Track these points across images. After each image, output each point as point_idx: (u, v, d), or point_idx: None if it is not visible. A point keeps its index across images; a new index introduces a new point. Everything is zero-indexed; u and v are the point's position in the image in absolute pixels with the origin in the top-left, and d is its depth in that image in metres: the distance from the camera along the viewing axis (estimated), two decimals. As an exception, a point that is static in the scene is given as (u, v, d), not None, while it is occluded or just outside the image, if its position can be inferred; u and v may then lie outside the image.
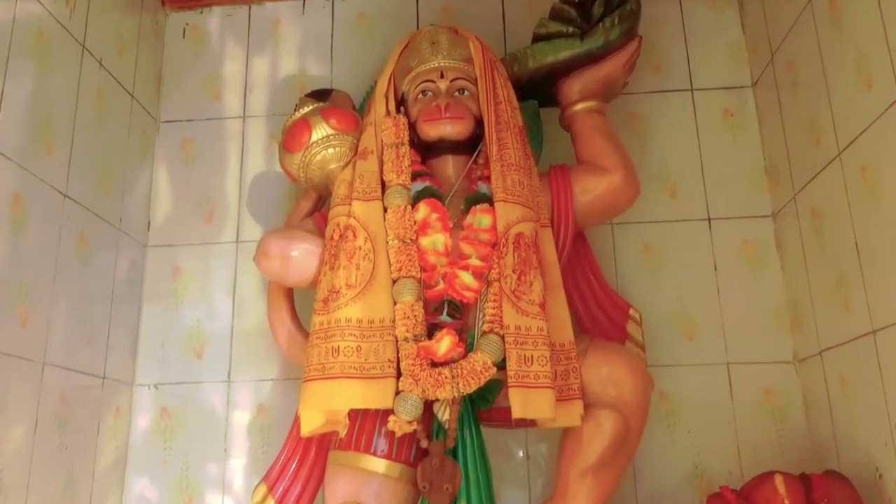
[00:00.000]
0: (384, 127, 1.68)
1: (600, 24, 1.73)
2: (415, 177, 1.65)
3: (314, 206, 1.83)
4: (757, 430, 1.81)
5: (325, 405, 1.49)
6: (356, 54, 2.11)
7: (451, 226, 1.60)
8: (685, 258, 1.92)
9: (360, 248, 1.55)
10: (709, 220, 1.95)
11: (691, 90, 2.03)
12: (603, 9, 1.76)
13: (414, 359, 1.48)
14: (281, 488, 1.62)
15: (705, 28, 2.07)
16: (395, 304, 1.52)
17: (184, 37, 2.17)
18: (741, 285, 1.90)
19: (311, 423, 1.51)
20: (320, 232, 1.68)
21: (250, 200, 2.04)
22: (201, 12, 2.18)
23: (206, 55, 2.16)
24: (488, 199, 1.59)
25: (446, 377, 1.46)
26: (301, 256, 1.64)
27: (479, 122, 1.70)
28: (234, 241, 2.02)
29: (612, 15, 1.73)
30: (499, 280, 1.51)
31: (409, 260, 1.54)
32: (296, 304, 1.78)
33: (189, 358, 1.95)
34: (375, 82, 1.80)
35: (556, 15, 1.80)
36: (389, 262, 1.55)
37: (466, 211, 1.61)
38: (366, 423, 1.53)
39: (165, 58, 2.16)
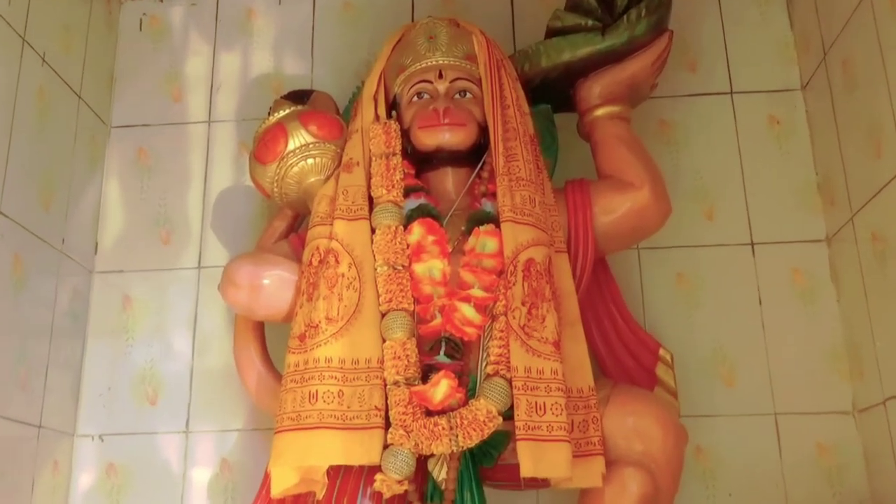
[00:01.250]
0: (373, 134, 1.69)
1: (625, 16, 1.75)
2: (408, 192, 1.65)
3: (290, 227, 1.83)
4: (810, 492, 1.80)
5: (301, 461, 1.47)
6: (341, 50, 2.13)
7: (450, 250, 1.60)
8: (725, 289, 1.93)
9: (342, 275, 1.55)
10: (752, 244, 1.95)
11: (731, 93, 2.05)
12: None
13: (405, 406, 1.47)
14: (248, 559, 1.61)
15: (747, 22, 2.09)
16: (383, 341, 1.52)
17: (140, 29, 2.19)
18: (790, 322, 1.90)
19: (283, 482, 1.49)
20: (297, 256, 1.68)
21: (215, 219, 2.05)
22: (161, 0, 2.20)
23: (167, 50, 2.17)
24: (494, 220, 1.60)
25: (443, 428, 1.45)
26: (274, 285, 1.64)
27: (483, 130, 1.70)
28: (196, 267, 2.02)
29: (639, 6, 1.74)
30: (505, 314, 1.51)
31: (401, 290, 1.55)
32: (267, 341, 1.78)
33: (141, 404, 1.94)
34: (363, 83, 1.81)
35: (573, 5, 1.82)
36: (377, 292, 1.55)
37: (468, 233, 1.61)
38: (348, 482, 1.51)
39: (119, 53, 2.17)
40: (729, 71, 2.06)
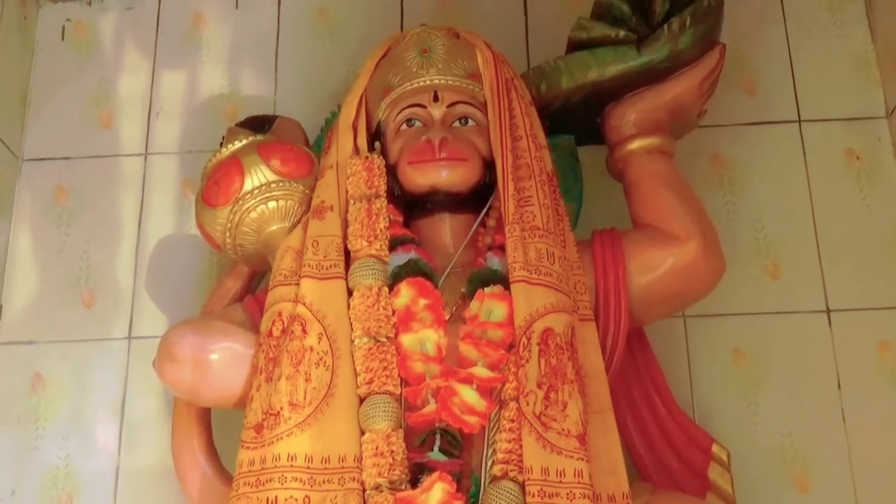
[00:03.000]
0: (351, 171, 1.70)
1: (665, 26, 1.76)
2: (394, 244, 1.65)
3: (245, 287, 1.83)
4: None
5: (255, 589, 1.46)
6: (312, 66, 2.14)
7: (447, 318, 1.59)
8: (794, 368, 1.92)
9: (311, 349, 1.54)
10: (828, 311, 1.95)
11: (799, 121, 2.06)
12: (669, 4, 1.79)
13: (390, 518, 1.45)
14: None
15: (819, 33, 2.11)
16: (362, 433, 1.50)
17: (63, 38, 2.21)
18: (877, 409, 1.89)
19: None
20: (253, 325, 1.68)
21: (152, 277, 2.04)
22: (89, 3, 2.22)
23: (95, 65, 2.19)
24: (502, 280, 1.59)
25: (438, 547, 1.44)
26: (224, 361, 1.63)
27: (489, 166, 1.71)
28: (126, 338, 2.01)
29: (683, 14, 1.76)
30: (517, 399, 1.50)
31: (385, 368, 1.54)
32: (214, 432, 1.77)
33: (52, 512, 1.92)
34: (339, 107, 1.83)
35: (601, 12, 1.83)
36: (355, 370, 1.54)
37: (470, 296, 1.60)
38: None
39: (35, 68, 2.19)
40: (796, 94, 2.08)
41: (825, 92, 2.07)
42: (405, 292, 1.59)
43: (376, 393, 1.52)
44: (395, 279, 1.61)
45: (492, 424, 1.53)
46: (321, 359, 1.54)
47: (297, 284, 1.60)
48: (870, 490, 1.85)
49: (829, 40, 2.10)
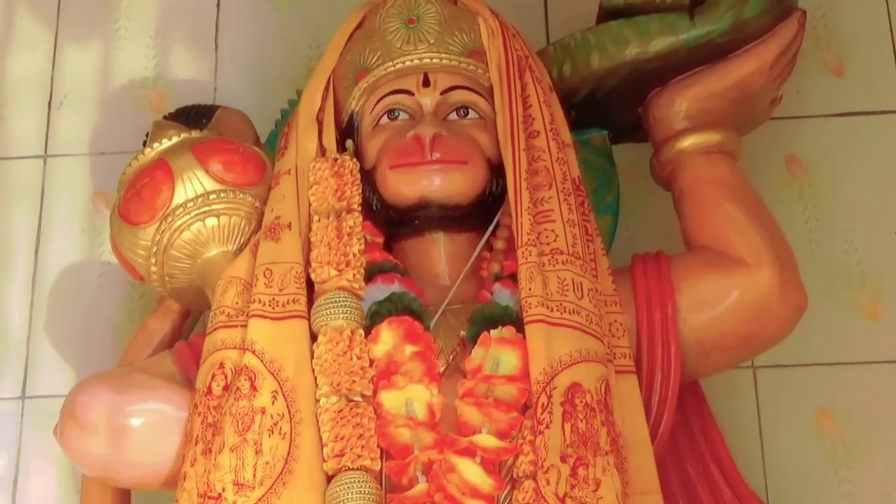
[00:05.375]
0: (315, 178, 1.70)
1: (726, -11, 1.79)
2: (372, 274, 1.66)
3: (175, 330, 1.84)
4: None
5: None
6: (262, 41, 2.16)
7: (443, 370, 1.60)
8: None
9: (262, 411, 1.54)
10: (942, 360, 1.97)
11: (902, 112, 2.09)
12: (730, -37, 1.81)
13: None
14: None
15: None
16: (330, 523, 1.51)
17: (-63, 5, 2.23)
18: None
19: None
20: (186, 379, 1.69)
21: (52, 317, 2.06)
22: (-27, -39, 2.24)
23: (-22, 39, 2.21)
24: (514, 319, 1.60)
25: None
26: (147, 428, 1.64)
27: (496, 171, 1.73)
28: (18, 398, 2.03)
29: (749, -30, 1.79)
30: (534, 476, 1.50)
31: (360, 436, 1.53)
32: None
33: None
34: (299, 94, 1.84)
35: (644, -29, 1.86)
36: (321, 439, 1.54)
37: (472, 341, 1.61)
38: None
39: None
40: (898, 76, 2.11)
41: (936, 72, 2.10)
42: (386, 336, 1.60)
43: (349, 469, 1.52)
44: (373, 319, 1.62)
45: (502, 510, 1.54)
46: (276, 424, 1.54)
47: (245, 326, 1.61)
48: None
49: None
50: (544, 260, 1.61)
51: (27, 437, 2.00)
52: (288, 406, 1.56)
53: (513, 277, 1.64)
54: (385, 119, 1.75)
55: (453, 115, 1.74)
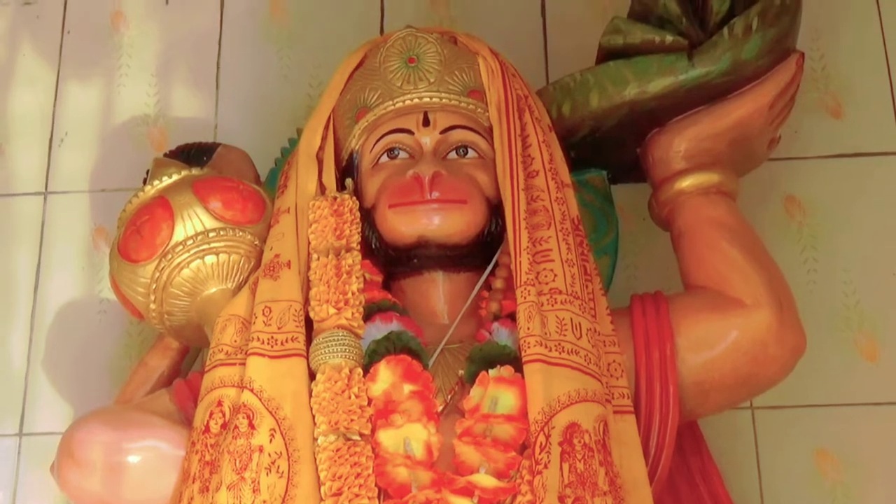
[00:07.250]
0: (315, 216, 1.71)
1: (725, 29, 1.78)
2: (370, 312, 1.66)
3: (174, 368, 1.83)
4: None
5: None
6: (263, 79, 2.16)
7: (441, 409, 1.60)
8: (897, 476, 1.93)
9: (260, 449, 1.54)
10: (941, 402, 1.96)
11: (900, 153, 2.09)
12: (730, 2, 1.81)
13: None
14: None
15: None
16: (327, 562, 1.51)
17: (-63, 40, 2.23)
18: None
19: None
20: (184, 417, 1.68)
21: (50, 354, 2.05)
22: (-26, -3, 2.25)
23: (-21, 75, 2.21)
24: (512, 359, 1.60)
25: None
26: (144, 465, 1.64)
27: (495, 211, 1.73)
28: (16, 434, 2.02)
29: (748, 13, 1.78)
30: (533, 516, 1.50)
31: (358, 475, 1.53)
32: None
33: None
34: (299, 132, 1.84)
35: (643, 11, 1.86)
36: (318, 478, 1.54)
37: (470, 381, 1.61)
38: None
39: None
40: (896, 117, 2.11)
41: (935, 114, 2.11)
42: (385, 375, 1.60)
43: (347, 508, 1.53)
44: (371, 358, 1.62)
45: (499, 550, 1.53)
46: (274, 462, 1.54)
47: (243, 364, 1.61)
48: None
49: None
50: (543, 299, 1.61)
51: (25, 475, 2.00)
52: (286, 444, 1.55)
53: (511, 317, 1.64)
54: (385, 158, 1.76)
55: (453, 155, 1.75)
